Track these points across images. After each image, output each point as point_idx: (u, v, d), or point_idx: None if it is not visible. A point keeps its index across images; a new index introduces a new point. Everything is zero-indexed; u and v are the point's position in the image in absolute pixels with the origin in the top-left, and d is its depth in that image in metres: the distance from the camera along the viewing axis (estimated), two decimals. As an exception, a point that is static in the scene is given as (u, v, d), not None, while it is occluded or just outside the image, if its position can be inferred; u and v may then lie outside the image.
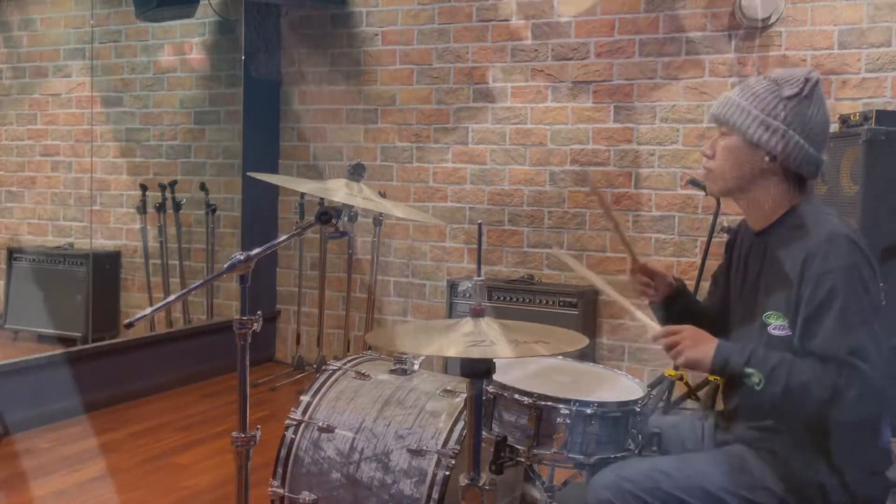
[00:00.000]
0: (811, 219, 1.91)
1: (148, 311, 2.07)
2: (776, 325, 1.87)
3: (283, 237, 2.18)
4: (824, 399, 1.73)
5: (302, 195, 5.27)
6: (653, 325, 2.00)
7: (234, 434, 2.06)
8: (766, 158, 1.92)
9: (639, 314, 2.08)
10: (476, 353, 1.68)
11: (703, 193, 4.35)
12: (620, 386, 2.16)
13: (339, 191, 2.18)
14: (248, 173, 2.53)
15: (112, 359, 4.65)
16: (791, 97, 1.91)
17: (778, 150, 1.91)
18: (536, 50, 4.86)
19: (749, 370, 1.79)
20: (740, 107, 1.94)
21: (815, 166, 1.95)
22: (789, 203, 1.96)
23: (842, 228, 1.86)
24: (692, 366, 1.88)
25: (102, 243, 5.78)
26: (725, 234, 4.01)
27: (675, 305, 2.22)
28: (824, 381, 1.73)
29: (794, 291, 1.83)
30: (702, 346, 1.87)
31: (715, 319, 2.16)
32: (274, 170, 5.64)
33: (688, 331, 1.91)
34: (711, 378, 3.98)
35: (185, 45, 5.71)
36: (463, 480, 1.76)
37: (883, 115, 3.36)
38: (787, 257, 1.87)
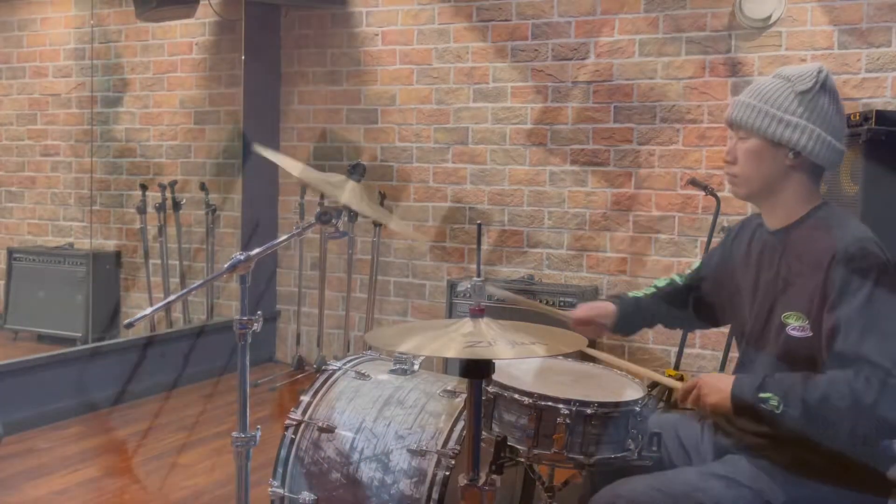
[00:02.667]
0: (835, 221, 1.90)
1: (148, 311, 2.08)
2: (795, 325, 1.85)
3: (283, 237, 2.18)
4: (845, 407, 1.71)
5: (302, 195, 5.28)
6: (675, 384, 2.05)
7: (234, 434, 2.06)
8: (791, 155, 1.92)
9: (664, 380, 2.14)
10: (475, 354, 1.68)
11: (703, 193, 4.35)
12: (620, 386, 2.16)
13: (342, 188, 2.18)
14: (255, 145, 2.52)
15: (112, 359, 4.65)
16: (806, 91, 1.92)
17: (801, 145, 1.90)
18: (536, 50, 4.86)
19: (764, 395, 1.77)
20: (756, 108, 1.94)
21: (838, 157, 1.96)
22: (810, 202, 1.95)
23: (867, 233, 1.86)
24: (719, 411, 1.89)
25: (102, 243, 5.78)
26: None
27: (629, 324, 2.29)
28: (846, 391, 1.70)
29: (819, 293, 1.81)
30: (717, 388, 1.87)
31: (689, 295, 2.23)
32: (274, 170, 5.64)
33: (702, 380, 1.92)
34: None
35: (185, 45, 5.71)
36: (462, 480, 1.76)
37: (883, 115, 3.36)
38: (811, 258, 1.85)
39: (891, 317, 1.75)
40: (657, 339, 4.58)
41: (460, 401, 2.34)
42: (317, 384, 2.52)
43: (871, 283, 1.75)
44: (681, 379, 4.10)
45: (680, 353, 4.17)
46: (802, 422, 1.76)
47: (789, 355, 1.86)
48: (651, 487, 1.88)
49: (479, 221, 1.95)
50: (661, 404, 3.78)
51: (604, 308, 2.29)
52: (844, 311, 1.75)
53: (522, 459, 1.99)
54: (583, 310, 2.30)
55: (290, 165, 2.50)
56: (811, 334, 1.82)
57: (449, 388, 2.41)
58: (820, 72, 1.94)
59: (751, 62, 4.38)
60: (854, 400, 1.70)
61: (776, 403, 1.76)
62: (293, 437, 2.41)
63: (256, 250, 2.03)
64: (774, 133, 1.91)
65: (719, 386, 1.87)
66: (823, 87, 1.93)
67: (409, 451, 2.26)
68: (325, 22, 5.47)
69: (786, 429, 1.79)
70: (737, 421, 2.00)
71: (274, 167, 5.66)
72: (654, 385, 4.05)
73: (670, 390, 3.95)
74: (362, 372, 2.53)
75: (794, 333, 1.85)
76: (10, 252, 5.65)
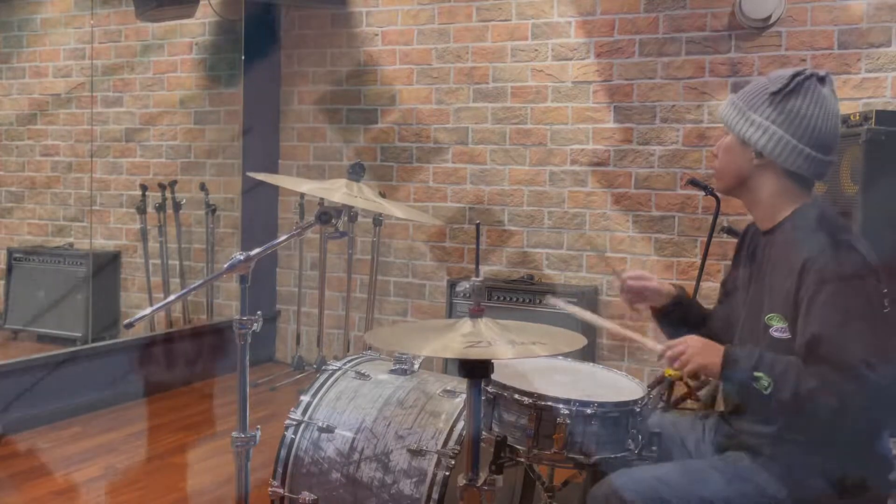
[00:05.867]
0: (814, 223, 1.88)
1: (148, 311, 2.08)
2: (777, 327, 1.85)
3: (283, 237, 2.18)
4: (831, 407, 1.71)
5: (302, 195, 5.27)
6: (654, 344, 2.01)
7: (234, 434, 2.06)
8: (753, 155, 1.92)
9: (639, 337, 2.09)
10: (474, 354, 1.68)
11: (703, 193, 4.34)
12: (620, 386, 2.16)
13: (338, 191, 2.18)
14: (248, 173, 2.53)
15: (112, 359, 4.65)
16: (776, 93, 1.88)
17: (761, 145, 1.89)
18: (536, 50, 4.86)
19: (758, 374, 1.77)
20: (734, 105, 1.96)
21: (815, 165, 1.90)
22: (793, 203, 1.93)
23: (844, 235, 1.84)
24: (702, 371, 1.88)
25: (102, 243, 5.78)
26: (725, 235, 4.03)
27: (678, 314, 2.21)
28: (833, 389, 1.71)
29: (793, 296, 1.81)
30: (708, 351, 1.87)
31: (727, 326, 2.15)
32: (274, 170, 5.64)
33: (690, 339, 1.91)
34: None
35: (185, 45, 5.71)
36: (462, 480, 1.76)
37: (883, 115, 3.35)
38: (789, 260, 1.85)
39: (871, 322, 1.75)
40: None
41: (460, 401, 2.34)
42: (317, 384, 2.52)
43: (843, 291, 1.75)
44: (681, 379, 4.12)
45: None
46: (786, 409, 1.77)
47: None
48: (653, 479, 1.88)
49: (477, 221, 1.96)
50: (662, 404, 3.78)
51: (661, 286, 2.22)
52: (820, 320, 1.75)
53: (522, 459, 1.99)
54: (640, 280, 2.20)
55: (287, 183, 2.50)
56: (790, 336, 1.83)
57: (449, 388, 2.41)
58: (797, 74, 1.88)
59: (751, 62, 4.37)
60: (841, 402, 1.71)
61: (766, 385, 1.76)
62: (293, 437, 2.41)
63: (256, 250, 2.03)
64: (740, 130, 1.93)
65: (709, 350, 1.87)
66: (797, 91, 1.87)
67: (409, 451, 2.26)
68: (325, 22, 5.46)
69: (765, 410, 1.81)
70: (736, 422, 2.01)
71: (274, 166, 5.67)
72: (654, 384, 4.06)
73: (671, 389, 3.95)
74: (362, 372, 2.53)
75: (776, 335, 1.86)
76: (10, 252, 5.65)
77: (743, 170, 1.95)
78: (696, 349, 1.88)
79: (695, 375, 1.94)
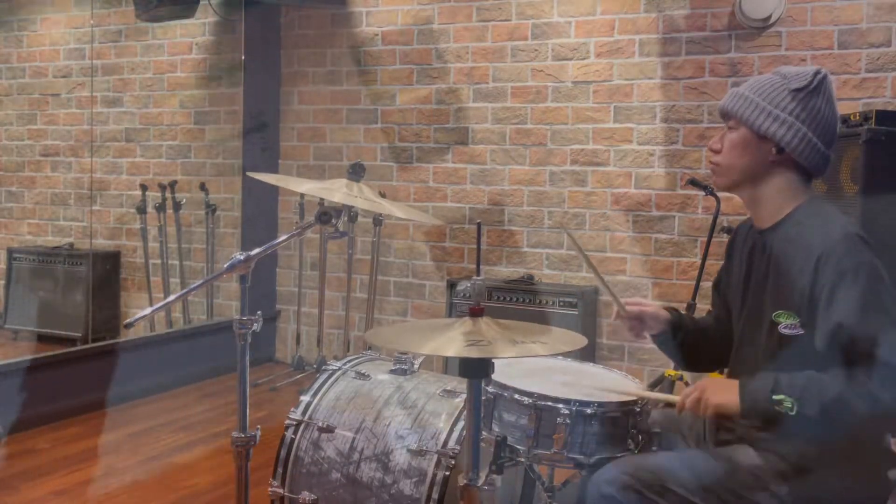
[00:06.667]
0: (820, 217, 1.89)
1: (148, 311, 2.08)
2: (787, 324, 1.84)
3: (283, 237, 2.18)
4: (862, 408, 1.69)
5: (302, 195, 5.27)
6: (672, 398, 2.00)
7: (234, 434, 2.06)
8: (774, 150, 1.92)
9: (657, 395, 2.10)
10: (474, 353, 1.68)
11: (703, 193, 4.35)
12: (620, 386, 2.16)
13: (338, 191, 2.18)
14: (248, 173, 2.53)
15: (112, 359, 4.64)
16: (799, 90, 1.90)
17: (785, 141, 1.90)
18: (536, 50, 4.86)
19: (778, 397, 1.73)
20: (749, 100, 1.94)
21: (823, 162, 1.93)
22: (796, 200, 1.94)
23: (853, 228, 1.85)
24: (722, 411, 1.84)
25: (102, 243, 5.78)
26: (725, 235, 4.02)
27: (678, 337, 2.21)
28: (859, 389, 1.69)
29: (808, 291, 1.80)
30: (723, 389, 1.84)
31: (724, 332, 2.14)
32: (274, 170, 5.64)
33: (704, 382, 1.89)
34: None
35: (185, 45, 5.71)
36: (462, 480, 1.76)
37: (883, 115, 3.35)
38: (797, 255, 1.85)
39: (889, 311, 1.75)
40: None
41: (460, 401, 2.34)
42: (317, 384, 2.52)
43: (862, 280, 1.74)
44: (681, 378, 4.12)
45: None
46: (817, 423, 1.73)
47: (782, 353, 1.85)
48: (656, 466, 1.88)
49: (478, 221, 1.96)
50: (662, 404, 3.78)
51: (658, 311, 2.22)
52: (843, 311, 1.74)
53: (522, 459, 1.99)
54: (638, 306, 2.22)
55: (287, 183, 2.49)
56: (803, 332, 1.82)
57: (449, 388, 2.41)
58: (818, 73, 1.92)
59: (751, 62, 4.38)
60: (872, 401, 1.69)
61: (790, 405, 1.73)
62: (293, 437, 2.41)
63: (256, 250, 2.03)
64: (761, 126, 1.91)
65: (724, 388, 1.84)
66: (818, 89, 1.91)
67: (409, 451, 2.26)
68: (325, 22, 5.47)
69: (798, 430, 1.77)
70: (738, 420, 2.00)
71: (274, 166, 5.67)
72: (653, 385, 4.06)
73: (671, 390, 3.95)
74: (362, 372, 2.53)
75: (786, 331, 1.84)
76: (10, 252, 5.65)
77: (757, 165, 1.94)
78: (712, 391, 1.85)
79: (719, 417, 1.88)
